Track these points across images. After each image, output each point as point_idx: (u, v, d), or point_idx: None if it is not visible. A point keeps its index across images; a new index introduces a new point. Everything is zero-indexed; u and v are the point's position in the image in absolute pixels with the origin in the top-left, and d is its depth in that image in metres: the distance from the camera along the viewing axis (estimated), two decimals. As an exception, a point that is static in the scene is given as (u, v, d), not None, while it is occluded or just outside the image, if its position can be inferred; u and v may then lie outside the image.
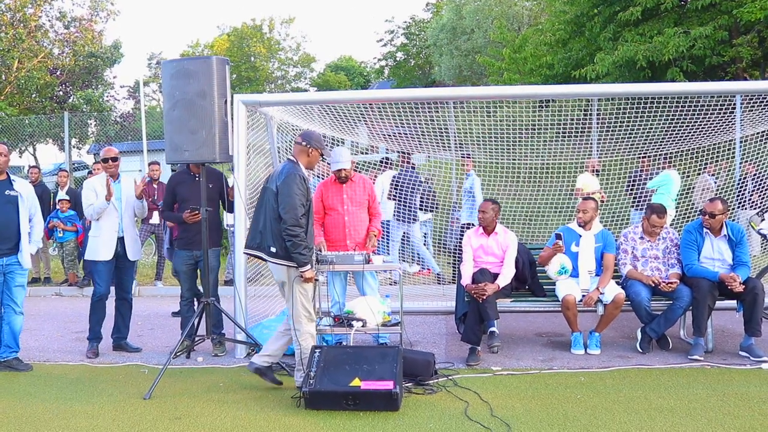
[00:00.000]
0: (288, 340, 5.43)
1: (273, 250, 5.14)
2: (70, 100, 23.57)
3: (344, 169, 6.47)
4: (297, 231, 5.03)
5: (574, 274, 6.57)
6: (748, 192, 10.38)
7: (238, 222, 6.60)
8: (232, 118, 6.02)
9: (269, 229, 5.16)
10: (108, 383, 5.70)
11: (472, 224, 10.24)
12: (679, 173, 10.54)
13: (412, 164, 10.69)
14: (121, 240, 6.55)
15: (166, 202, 6.77)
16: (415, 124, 9.63)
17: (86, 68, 23.40)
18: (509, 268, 6.49)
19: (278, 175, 5.20)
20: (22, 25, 21.15)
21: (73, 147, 21.23)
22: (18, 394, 5.41)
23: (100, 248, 6.51)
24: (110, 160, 6.53)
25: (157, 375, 5.44)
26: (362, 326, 5.85)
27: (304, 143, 5.34)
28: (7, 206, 6.00)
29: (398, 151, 10.71)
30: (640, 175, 10.79)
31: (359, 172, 8.40)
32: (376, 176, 10.89)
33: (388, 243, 10.16)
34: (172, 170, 10.65)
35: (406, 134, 9.85)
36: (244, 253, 5.50)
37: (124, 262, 6.66)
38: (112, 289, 6.71)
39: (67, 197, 10.67)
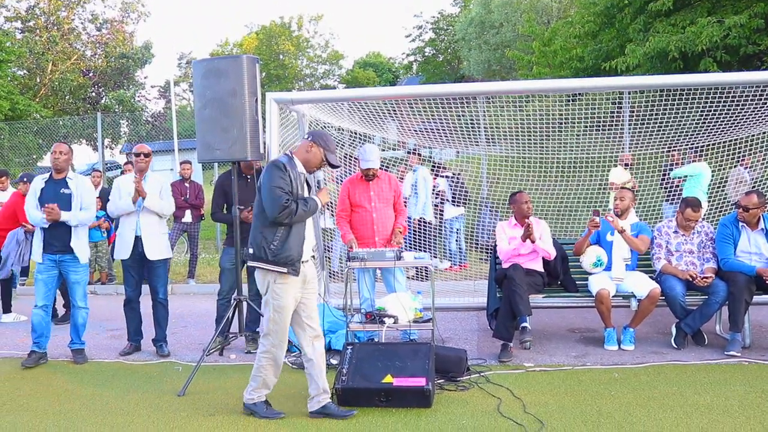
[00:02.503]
0: (316, 365, 4.76)
1: (251, 251, 4.54)
2: (103, 101, 23.93)
3: (372, 169, 6.48)
4: (285, 214, 4.40)
5: (608, 267, 6.50)
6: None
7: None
8: (263, 117, 6.06)
9: (252, 228, 4.63)
10: (143, 380, 5.78)
11: (423, 219, 10.23)
12: (712, 166, 10.37)
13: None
14: (139, 239, 6.41)
15: (217, 203, 6.80)
16: (444, 119, 9.61)
17: (118, 69, 23.76)
18: (549, 246, 6.58)
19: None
20: (55, 28, 21.52)
21: (106, 147, 21.58)
22: (56, 391, 5.51)
23: (120, 247, 6.53)
24: (142, 155, 6.51)
25: (191, 372, 5.50)
26: (394, 323, 5.84)
27: (307, 137, 4.75)
28: (60, 204, 6.14)
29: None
30: (672, 169, 10.65)
31: (386, 169, 8.40)
32: (404, 172, 10.88)
33: (422, 239, 10.17)
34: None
35: (435, 130, 9.83)
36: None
37: (149, 263, 6.49)
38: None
39: (98, 197, 10.77)
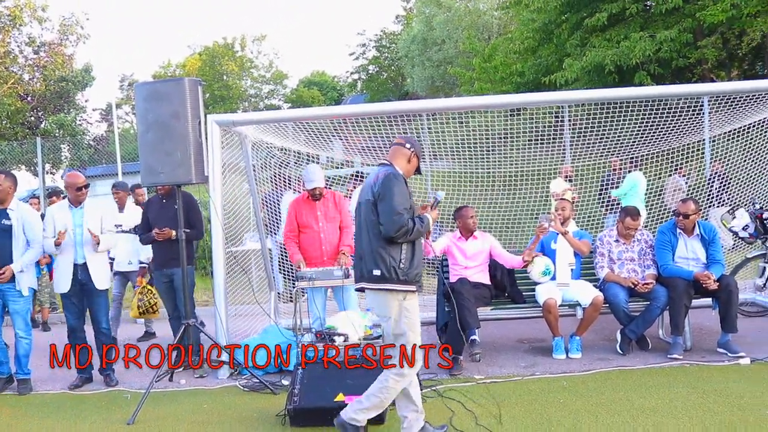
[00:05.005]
0: (414, 384, 4.53)
1: (377, 273, 4.19)
2: (42, 125, 23.40)
3: (318, 188, 6.49)
4: (401, 233, 4.14)
5: (554, 276, 6.63)
6: (715, 190, 10.54)
7: (216, 243, 6.57)
8: (206, 139, 6.03)
9: (369, 249, 4.25)
10: (91, 410, 5.64)
11: None
12: (649, 175, 10.67)
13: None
14: (83, 267, 6.19)
15: (143, 226, 6.81)
16: (389, 136, 9.68)
17: (57, 92, 23.26)
18: (509, 257, 6.71)
19: (374, 183, 4.31)
20: (-10, 52, 21.02)
21: (47, 172, 21.04)
22: (-1, 426, 5.35)
23: (58, 280, 6.30)
24: (83, 189, 6.25)
25: (140, 399, 5.40)
26: (344, 341, 5.85)
27: (408, 145, 4.48)
28: (1, 235, 5.98)
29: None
30: (612, 177, 10.92)
31: (329, 187, 8.42)
32: (351, 191, 10.91)
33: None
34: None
35: (380, 147, 9.89)
36: (356, 290, 4.63)
37: (90, 292, 6.24)
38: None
39: None
